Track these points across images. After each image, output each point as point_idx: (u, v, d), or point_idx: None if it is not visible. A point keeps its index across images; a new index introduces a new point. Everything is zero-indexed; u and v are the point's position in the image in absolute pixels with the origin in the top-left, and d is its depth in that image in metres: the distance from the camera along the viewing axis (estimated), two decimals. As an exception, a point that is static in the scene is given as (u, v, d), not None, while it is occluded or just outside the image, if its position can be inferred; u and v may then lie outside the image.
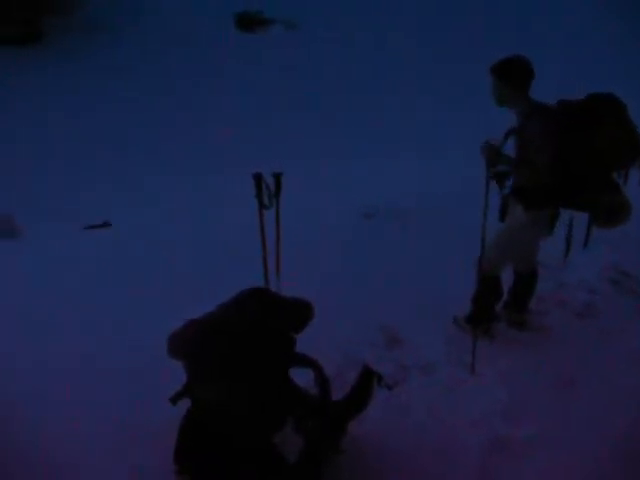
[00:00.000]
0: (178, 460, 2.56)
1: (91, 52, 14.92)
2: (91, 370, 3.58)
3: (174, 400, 2.54)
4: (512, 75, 3.47)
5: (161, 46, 15.56)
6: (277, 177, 3.44)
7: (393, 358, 3.81)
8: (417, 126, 11.25)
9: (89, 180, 9.00)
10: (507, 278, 4.07)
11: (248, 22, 20.73)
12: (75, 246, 6.12)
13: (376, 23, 17.36)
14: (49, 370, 3.60)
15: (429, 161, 8.52)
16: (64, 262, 5.64)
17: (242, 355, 2.44)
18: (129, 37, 15.86)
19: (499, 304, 4.13)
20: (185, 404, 2.63)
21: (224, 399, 2.45)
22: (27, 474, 2.87)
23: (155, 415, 2.98)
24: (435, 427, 3.28)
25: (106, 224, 7.10)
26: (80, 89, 13.10)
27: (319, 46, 17.25)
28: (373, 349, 3.87)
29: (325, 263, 4.74)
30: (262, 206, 3.40)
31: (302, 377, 2.83)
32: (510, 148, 3.61)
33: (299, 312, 2.66)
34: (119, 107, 12.28)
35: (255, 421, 2.55)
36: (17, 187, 9.85)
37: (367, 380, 2.91)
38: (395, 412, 3.33)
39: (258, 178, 3.35)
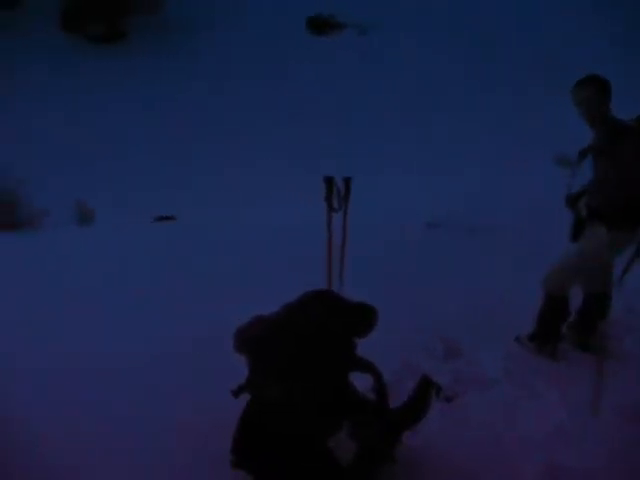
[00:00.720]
0: (235, 452, 2.61)
1: (171, 51, 15.46)
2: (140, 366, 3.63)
3: (236, 393, 2.59)
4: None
5: (234, 47, 15.94)
6: (347, 181, 3.45)
7: (451, 370, 3.75)
8: (480, 141, 11.08)
9: (159, 174, 9.35)
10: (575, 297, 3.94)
11: (320, 25, 20.93)
12: (141, 235, 6.37)
13: (442, 40, 17.17)
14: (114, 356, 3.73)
15: (495, 176, 8.37)
16: (130, 249, 5.89)
17: (304, 356, 2.47)
18: (207, 37, 16.35)
19: (565, 324, 4.00)
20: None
21: (284, 398, 2.49)
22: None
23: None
24: (491, 445, 3.20)
25: (171, 218, 7.36)
26: (160, 88, 13.61)
27: (390, 52, 17.21)
28: (431, 359, 3.83)
29: (387, 269, 4.73)
30: (331, 209, 3.42)
31: (360, 382, 2.85)
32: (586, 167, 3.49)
33: (364, 316, 2.66)
34: (192, 106, 12.67)
35: (312, 422, 2.57)
36: (95, 176, 10.37)
37: (426, 390, 2.88)
38: (451, 426, 3.28)
39: (329, 181, 3.37)
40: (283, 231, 5.27)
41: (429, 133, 12.00)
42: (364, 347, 2.80)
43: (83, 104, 12.91)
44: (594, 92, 3.26)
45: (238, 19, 17.74)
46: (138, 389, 3.35)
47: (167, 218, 7.14)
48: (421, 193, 7.76)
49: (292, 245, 3.95)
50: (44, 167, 11.32)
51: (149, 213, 7.24)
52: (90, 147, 10.28)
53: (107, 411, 3.23)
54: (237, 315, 2.73)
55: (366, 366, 2.69)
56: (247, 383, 2.60)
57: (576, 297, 3.95)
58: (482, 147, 11.47)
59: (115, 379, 3.49)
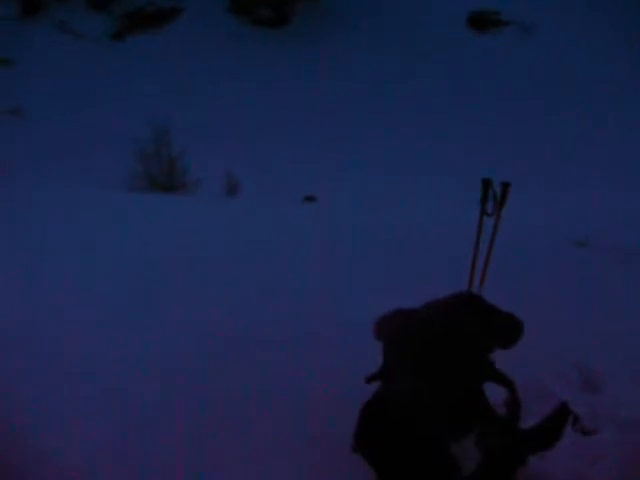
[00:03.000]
0: (357, 438, 2.65)
1: (329, 39, 15.83)
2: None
3: (369, 380, 2.63)
4: None
5: (389, 36, 15.91)
6: (505, 187, 3.33)
7: (588, 403, 3.50)
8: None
9: (313, 156, 9.61)
10: None
11: (482, 22, 20.15)
12: (284, 213, 6.61)
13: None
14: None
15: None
16: (272, 226, 6.12)
17: (443, 355, 2.44)
18: (366, 26, 16.49)
19: None
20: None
21: (416, 392, 2.47)
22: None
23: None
24: (619, 489, 2.95)
25: (312, 198, 7.56)
26: (320, 72, 14.03)
27: (555, 53, 16.20)
28: (567, 387, 3.59)
29: (528, 284, 4.50)
30: (484, 212, 3.32)
31: (493, 395, 2.74)
32: None
33: (511, 328, 2.56)
34: (347, 94, 12.91)
35: (437, 423, 2.53)
36: (242, 150, 10.96)
37: (562, 417, 2.71)
38: (581, 461, 3.06)
39: (487, 184, 3.27)
40: (433, 228, 5.21)
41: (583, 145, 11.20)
42: (498, 360, 2.70)
43: (245, 85, 13.74)
44: None
45: (395, 10, 17.68)
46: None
47: (310, 199, 7.37)
48: (569, 210, 7.27)
49: (439, 243, 3.88)
50: (203, 140, 12.27)
51: (294, 193, 7.51)
52: (249, 127, 10.91)
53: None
54: (373, 307, 2.76)
55: (503, 379, 2.59)
56: (381, 371, 2.62)
57: None
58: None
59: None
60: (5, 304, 4.26)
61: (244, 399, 3.21)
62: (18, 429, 3.08)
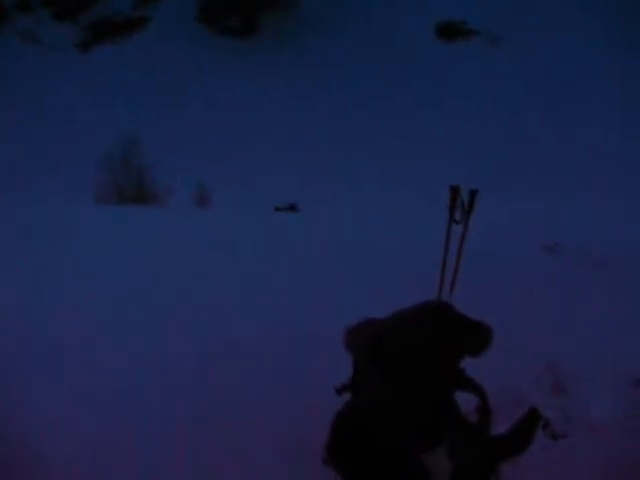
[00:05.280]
0: (329, 450, 2.62)
1: (300, 48, 15.88)
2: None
3: (339, 391, 2.60)
4: None
5: (363, 45, 16.04)
6: (473, 194, 3.35)
7: (558, 406, 3.53)
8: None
9: (285, 164, 9.58)
10: None
11: (449, 31, 20.46)
12: (258, 223, 6.56)
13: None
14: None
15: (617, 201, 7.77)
16: (245, 236, 6.06)
17: (414, 364, 2.42)
18: (337, 35, 16.60)
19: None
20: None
21: (386, 402, 2.45)
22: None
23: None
24: (590, 492, 2.99)
25: (293, 208, 7.48)
26: (289, 82, 14.05)
27: (519, 66, 16.54)
28: (538, 391, 3.62)
29: (499, 291, 4.53)
30: (452, 220, 3.34)
31: (462, 403, 2.74)
32: None
33: (481, 335, 2.57)
34: (319, 104, 12.95)
35: (409, 431, 2.52)
36: (213, 160, 10.90)
37: (532, 422, 2.72)
38: (552, 465, 3.09)
39: (455, 191, 3.29)
40: (401, 236, 5.21)
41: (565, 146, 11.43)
42: (469, 367, 2.71)
43: (211, 95, 13.72)
44: None
45: (368, 19, 17.84)
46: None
47: (289, 209, 7.32)
48: (538, 214, 7.36)
49: (407, 252, 3.89)
50: (172, 150, 12.17)
51: (267, 204, 7.46)
52: (217, 135, 10.88)
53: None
54: (341, 316, 2.74)
55: (473, 386, 2.60)
56: (351, 382, 2.59)
57: None
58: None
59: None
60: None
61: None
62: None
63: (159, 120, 16.92)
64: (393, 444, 2.47)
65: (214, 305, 4.42)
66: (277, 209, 7.37)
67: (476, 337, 2.57)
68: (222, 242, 5.89)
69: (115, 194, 12.58)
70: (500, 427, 2.76)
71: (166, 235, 6.42)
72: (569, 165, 12.74)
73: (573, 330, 4.26)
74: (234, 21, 20.40)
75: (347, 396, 2.69)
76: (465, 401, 2.67)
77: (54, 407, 3.30)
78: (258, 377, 3.55)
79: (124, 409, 3.31)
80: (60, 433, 3.11)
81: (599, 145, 12.86)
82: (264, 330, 3.95)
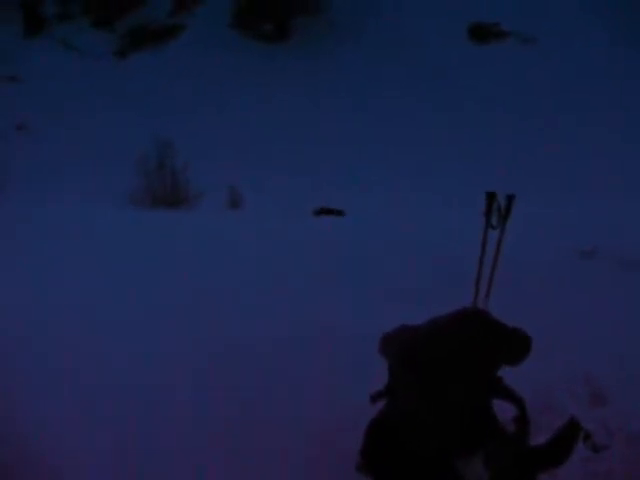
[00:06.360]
0: (363, 456, 2.60)
1: (332, 52, 15.90)
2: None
3: (374, 398, 2.58)
4: None
5: (394, 48, 15.97)
6: (510, 199, 3.29)
7: (597, 417, 3.43)
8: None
9: (315, 168, 9.57)
10: None
11: (482, 33, 20.20)
12: (289, 226, 6.56)
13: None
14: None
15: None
16: (275, 238, 6.06)
17: (450, 372, 2.39)
18: (368, 39, 16.57)
19: None
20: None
21: (421, 410, 2.43)
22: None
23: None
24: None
25: (339, 212, 7.29)
26: (322, 86, 14.09)
27: (555, 63, 16.24)
28: (576, 401, 3.53)
29: (535, 297, 4.44)
30: (489, 225, 3.28)
31: (500, 412, 2.69)
32: None
33: (519, 343, 2.52)
34: (348, 108, 12.95)
35: (444, 439, 2.49)
36: (245, 164, 10.98)
37: (572, 434, 2.66)
38: (591, 477, 3.00)
39: (491, 197, 3.23)
40: (437, 242, 5.16)
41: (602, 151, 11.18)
42: (506, 375, 2.66)
43: (243, 99, 13.87)
44: None
45: (398, 23, 17.77)
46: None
47: (334, 212, 7.15)
48: (574, 220, 7.20)
49: (443, 257, 3.84)
50: (206, 155, 12.32)
51: (298, 207, 7.45)
52: (250, 139, 10.99)
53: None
54: (384, 321, 2.72)
55: (511, 396, 2.54)
56: (386, 389, 2.57)
57: None
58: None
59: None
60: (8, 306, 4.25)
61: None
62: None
63: (193, 125, 17.18)
64: (428, 452, 2.44)
65: (238, 306, 4.43)
66: (321, 212, 7.19)
67: (513, 345, 2.52)
68: (253, 244, 5.93)
69: (149, 197, 12.81)
70: (539, 437, 2.71)
71: (195, 237, 6.50)
72: (605, 168, 12.41)
73: (611, 337, 4.15)
74: (267, 27, 20.59)
75: (381, 403, 2.67)
76: (503, 410, 2.63)
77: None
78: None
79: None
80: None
81: (632, 146, 12.49)
82: (288, 331, 3.95)
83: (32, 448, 3.03)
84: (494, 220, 3.28)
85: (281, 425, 3.24)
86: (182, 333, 4.02)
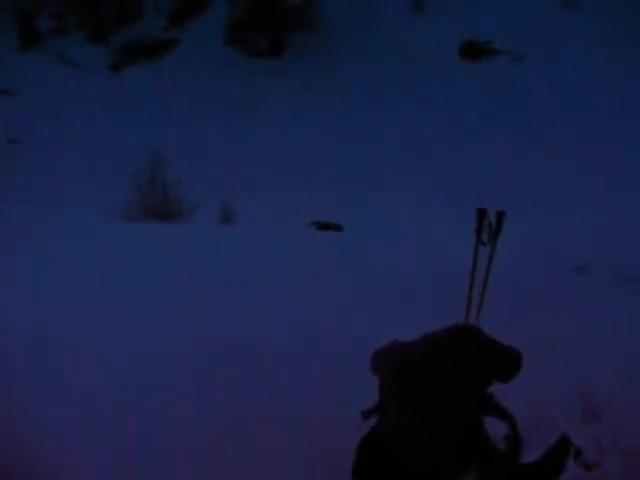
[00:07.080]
0: (356, 472, 2.58)
1: (326, 67, 16.04)
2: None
3: (365, 416, 2.56)
4: None
5: (389, 64, 16.12)
6: (500, 216, 3.30)
7: (589, 434, 3.43)
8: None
9: (309, 181, 9.61)
10: None
11: (474, 52, 20.45)
12: (282, 240, 6.56)
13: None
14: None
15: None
16: (277, 253, 6.03)
17: (443, 388, 2.38)
18: (362, 55, 16.72)
19: None
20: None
21: (413, 427, 2.41)
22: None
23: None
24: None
25: (337, 227, 7.21)
26: (316, 100, 14.20)
27: (545, 81, 16.44)
28: (568, 418, 3.52)
29: (527, 313, 4.45)
30: (480, 242, 3.29)
31: (491, 429, 2.68)
32: None
33: (511, 360, 2.52)
34: (344, 122, 13.04)
35: (436, 457, 2.47)
36: (238, 178, 11.01)
37: (563, 451, 2.65)
38: (583, 495, 2.99)
39: (482, 213, 3.25)
40: (428, 259, 5.17)
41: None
42: (498, 391, 2.65)
43: (241, 114, 13.96)
44: None
45: (393, 40, 17.96)
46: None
47: (332, 227, 7.07)
48: (566, 235, 7.24)
49: (434, 274, 3.85)
50: (198, 168, 12.36)
51: (292, 219, 7.45)
52: (243, 154, 11.05)
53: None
54: (373, 338, 2.72)
55: (503, 413, 2.54)
56: (377, 406, 2.56)
57: None
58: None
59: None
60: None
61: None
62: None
63: (187, 138, 17.22)
64: (421, 467, 2.42)
65: (233, 319, 4.42)
66: (318, 225, 7.11)
67: (505, 362, 2.52)
68: (245, 259, 5.91)
69: (141, 211, 12.79)
70: (530, 455, 2.70)
71: (186, 250, 6.47)
72: (597, 182, 12.52)
73: (604, 353, 4.16)
74: (261, 42, 20.75)
75: (372, 420, 2.65)
76: (494, 428, 2.62)
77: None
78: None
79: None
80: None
81: (626, 161, 12.63)
82: (296, 340, 3.94)
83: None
84: (485, 237, 3.29)
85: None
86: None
